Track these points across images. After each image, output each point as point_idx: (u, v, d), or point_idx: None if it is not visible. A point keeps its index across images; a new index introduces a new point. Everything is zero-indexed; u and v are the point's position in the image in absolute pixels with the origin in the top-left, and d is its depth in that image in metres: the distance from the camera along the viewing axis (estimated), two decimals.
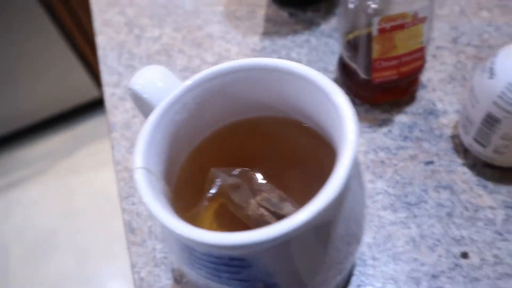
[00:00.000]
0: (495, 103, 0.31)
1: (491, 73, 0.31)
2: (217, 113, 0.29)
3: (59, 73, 1.45)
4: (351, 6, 0.35)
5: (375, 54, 0.35)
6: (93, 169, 1.50)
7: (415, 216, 0.35)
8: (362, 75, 0.38)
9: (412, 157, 0.38)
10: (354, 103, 0.42)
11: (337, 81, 0.43)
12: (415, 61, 0.37)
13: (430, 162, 0.38)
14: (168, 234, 0.24)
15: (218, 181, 0.28)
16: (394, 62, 0.36)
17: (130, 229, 0.38)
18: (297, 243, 0.21)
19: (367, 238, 0.34)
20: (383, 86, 0.39)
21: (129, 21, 0.54)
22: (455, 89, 0.42)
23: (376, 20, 0.33)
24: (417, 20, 0.34)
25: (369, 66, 0.37)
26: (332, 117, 0.23)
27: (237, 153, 0.30)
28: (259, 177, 0.28)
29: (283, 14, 0.51)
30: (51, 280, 1.26)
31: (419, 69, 0.38)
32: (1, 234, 1.39)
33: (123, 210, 0.38)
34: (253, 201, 0.28)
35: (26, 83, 1.42)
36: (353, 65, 0.39)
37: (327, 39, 0.48)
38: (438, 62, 0.44)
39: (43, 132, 1.67)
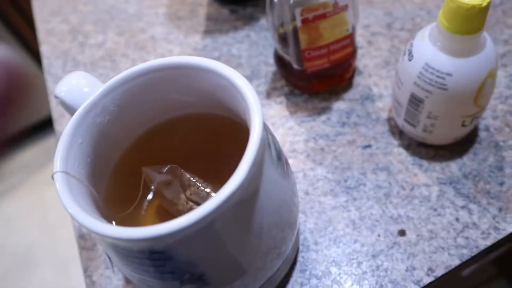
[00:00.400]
0: (415, 83, 0.32)
1: (410, 55, 0.32)
2: (142, 114, 0.29)
3: None
4: None
5: (303, 44, 0.36)
6: None
7: (355, 199, 0.36)
8: (295, 65, 0.39)
9: (350, 142, 0.39)
10: (294, 93, 0.43)
11: (276, 73, 0.44)
12: (344, 48, 0.38)
13: (367, 146, 0.39)
14: (95, 236, 0.25)
15: (153, 180, 0.29)
16: (323, 51, 0.37)
17: (80, 234, 0.38)
18: (211, 231, 0.22)
19: (308, 224, 0.35)
20: (317, 75, 0.40)
21: (73, 28, 0.54)
22: (389, 73, 0.43)
23: (298, 11, 0.34)
24: (338, 8, 0.35)
25: (299, 58, 0.38)
26: (242, 104, 0.24)
27: (167, 152, 0.31)
28: (189, 173, 0.29)
29: (224, 11, 0.52)
30: None
31: (350, 56, 0.39)
32: None
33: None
34: (183, 196, 0.28)
35: None
36: (287, 57, 0.39)
37: (267, 33, 0.49)
38: (373, 48, 0.45)
39: (14, 146, 1.64)
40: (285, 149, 0.39)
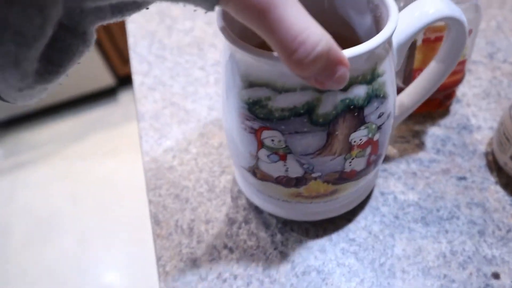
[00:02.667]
0: None
1: None
2: None
3: None
4: None
5: (417, 63, 0.35)
6: (99, 156, 1.50)
7: (447, 232, 0.35)
8: (400, 83, 0.37)
9: (445, 171, 0.38)
10: None
11: None
12: (455, 74, 0.36)
13: (462, 178, 0.37)
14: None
15: None
16: None
17: (156, 221, 0.37)
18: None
19: (396, 249, 0.34)
20: None
21: (160, 11, 0.54)
22: (489, 105, 0.41)
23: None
24: None
25: (409, 76, 0.36)
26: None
27: None
28: None
29: None
30: (52, 262, 1.26)
31: (458, 82, 0.38)
32: (5, 214, 1.39)
33: (150, 201, 0.38)
34: None
35: None
36: None
37: None
38: (473, 77, 0.43)
39: (52, 116, 1.67)
40: None
